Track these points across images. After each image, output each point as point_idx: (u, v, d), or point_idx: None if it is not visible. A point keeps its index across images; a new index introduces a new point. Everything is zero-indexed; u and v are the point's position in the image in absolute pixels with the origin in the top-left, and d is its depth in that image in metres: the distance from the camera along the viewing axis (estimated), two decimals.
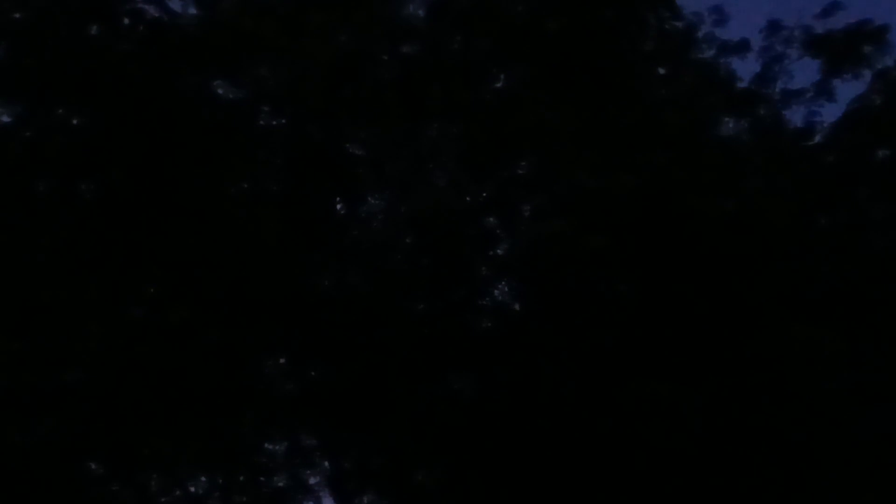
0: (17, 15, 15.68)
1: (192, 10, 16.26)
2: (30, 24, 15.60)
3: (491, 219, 17.14)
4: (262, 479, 16.85)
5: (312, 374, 16.67)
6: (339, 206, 17.19)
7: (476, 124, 16.46)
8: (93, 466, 15.83)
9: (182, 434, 15.34)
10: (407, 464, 16.46)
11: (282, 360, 16.89)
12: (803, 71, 18.72)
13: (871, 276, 16.00)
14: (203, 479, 16.71)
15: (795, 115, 18.40)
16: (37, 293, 14.39)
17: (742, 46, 18.72)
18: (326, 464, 17.21)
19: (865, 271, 16.07)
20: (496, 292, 17.23)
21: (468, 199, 17.05)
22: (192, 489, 16.64)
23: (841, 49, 18.10)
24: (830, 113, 18.56)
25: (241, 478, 16.71)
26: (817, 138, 18.22)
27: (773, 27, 18.75)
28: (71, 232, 15.04)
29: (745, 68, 18.83)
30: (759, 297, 15.09)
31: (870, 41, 17.92)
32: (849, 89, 18.29)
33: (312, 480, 17.18)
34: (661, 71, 18.19)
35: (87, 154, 15.37)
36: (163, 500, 16.50)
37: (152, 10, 15.85)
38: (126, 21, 15.90)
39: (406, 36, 17.29)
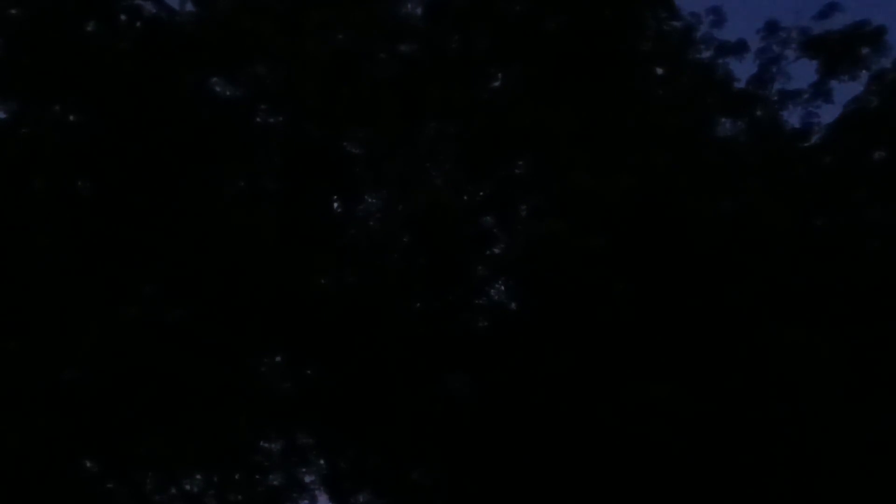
0: (14, 11, 15.63)
1: (190, 8, 16.27)
2: (27, 20, 15.54)
3: (488, 218, 17.16)
4: (257, 477, 16.86)
5: (309, 373, 16.67)
6: (336, 206, 17.17)
7: (474, 124, 16.45)
8: (88, 464, 15.82)
9: (178, 432, 15.33)
10: (403, 463, 16.46)
11: (278, 359, 16.89)
12: (800, 72, 18.75)
13: (868, 277, 16.01)
14: (198, 477, 16.70)
15: (792, 116, 18.47)
16: (33, 292, 14.36)
17: (739, 47, 18.73)
18: (322, 462, 17.21)
19: (862, 272, 16.08)
20: (493, 292, 17.25)
21: (465, 198, 17.05)
22: (188, 487, 16.64)
23: (838, 50, 18.11)
24: (827, 114, 18.59)
25: (237, 476, 16.73)
26: (814, 139, 18.25)
27: (771, 28, 18.78)
28: (68, 230, 14.99)
29: (743, 69, 18.79)
30: (755, 298, 15.11)
31: (867, 43, 17.95)
32: (846, 91, 18.29)
33: (308, 479, 17.22)
34: (659, 71, 18.21)
35: (85, 152, 15.33)
36: (158, 498, 16.49)
37: (150, 8, 15.85)
38: (123, 18, 15.87)
39: (404, 35, 17.27)
